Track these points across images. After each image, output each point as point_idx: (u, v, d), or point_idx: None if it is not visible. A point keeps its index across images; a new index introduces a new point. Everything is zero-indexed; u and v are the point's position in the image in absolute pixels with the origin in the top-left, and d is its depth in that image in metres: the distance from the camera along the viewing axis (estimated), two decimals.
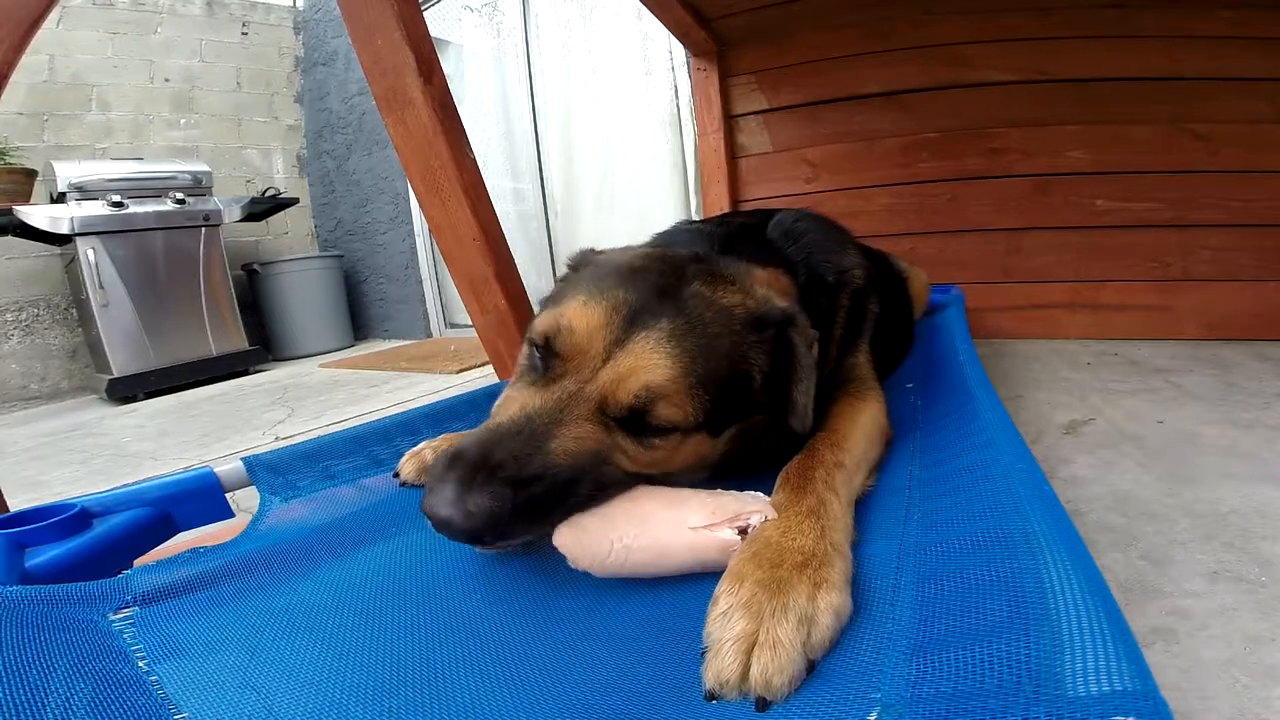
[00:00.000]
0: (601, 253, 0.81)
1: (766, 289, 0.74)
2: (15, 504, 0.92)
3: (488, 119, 3.79)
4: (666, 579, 0.58)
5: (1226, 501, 0.94)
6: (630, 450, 0.62)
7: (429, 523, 0.54)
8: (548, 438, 0.57)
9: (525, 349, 0.68)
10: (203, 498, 0.83)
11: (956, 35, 2.13)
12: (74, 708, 0.45)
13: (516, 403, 0.61)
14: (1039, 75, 2.05)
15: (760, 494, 0.61)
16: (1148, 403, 1.41)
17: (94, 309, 3.19)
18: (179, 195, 3.47)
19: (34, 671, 0.46)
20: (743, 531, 0.55)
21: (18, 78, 1.17)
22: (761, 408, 0.70)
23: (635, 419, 0.60)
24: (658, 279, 0.67)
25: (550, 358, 0.63)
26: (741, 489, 0.62)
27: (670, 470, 0.66)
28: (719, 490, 0.61)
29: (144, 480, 0.85)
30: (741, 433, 0.71)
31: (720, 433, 0.67)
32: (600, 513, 0.59)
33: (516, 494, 0.54)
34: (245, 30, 4.39)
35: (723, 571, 0.51)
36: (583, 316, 0.63)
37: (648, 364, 0.59)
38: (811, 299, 0.83)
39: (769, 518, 0.56)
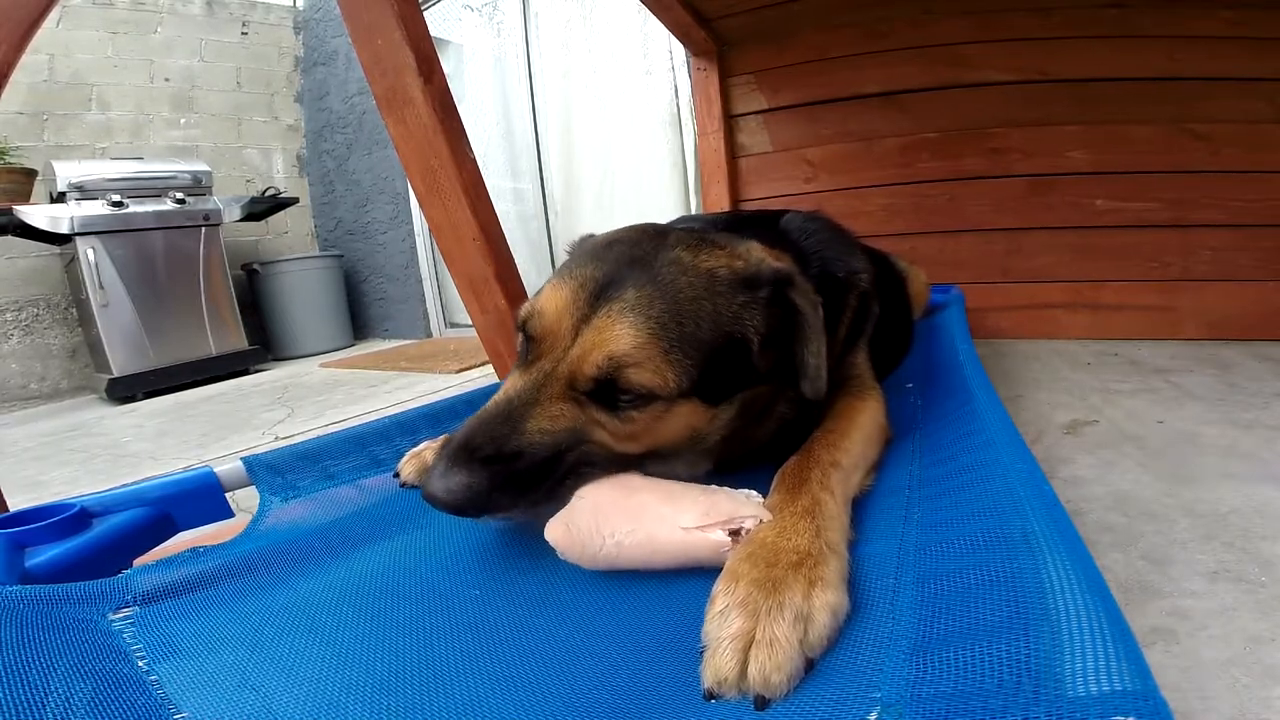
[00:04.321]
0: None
1: (761, 254, 0.72)
2: (15, 504, 0.92)
3: (488, 119, 3.79)
4: (665, 578, 0.58)
5: (1226, 501, 0.94)
6: (608, 424, 0.62)
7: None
8: (524, 419, 0.60)
9: (518, 337, 0.69)
10: (203, 497, 0.83)
11: (956, 35, 2.13)
12: (74, 708, 0.45)
13: (503, 388, 0.64)
14: (1039, 75, 2.05)
15: (754, 492, 0.61)
16: (1148, 403, 1.41)
17: (94, 309, 3.19)
18: (179, 195, 3.47)
19: (34, 671, 0.46)
20: (735, 534, 0.55)
21: (18, 77, 1.17)
22: (764, 377, 0.70)
23: (605, 391, 0.61)
24: (631, 250, 0.67)
25: (529, 342, 0.65)
26: (740, 486, 0.62)
27: (663, 445, 0.66)
28: (713, 487, 0.61)
29: (144, 480, 0.85)
30: (745, 407, 0.70)
31: (718, 402, 0.66)
32: (593, 507, 0.59)
33: (493, 472, 0.58)
34: (245, 30, 4.39)
35: (719, 566, 0.51)
36: (551, 299, 0.65)
37: (610, 335, 0.60)
38: (821, 293, 0.83)
39: (763, 520, 0.56)
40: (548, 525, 0.60)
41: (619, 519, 0.58)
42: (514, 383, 0.64)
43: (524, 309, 0.67)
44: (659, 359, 0.60)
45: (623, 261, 0.65)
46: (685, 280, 0.64)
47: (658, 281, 0.63)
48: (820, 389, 0.67)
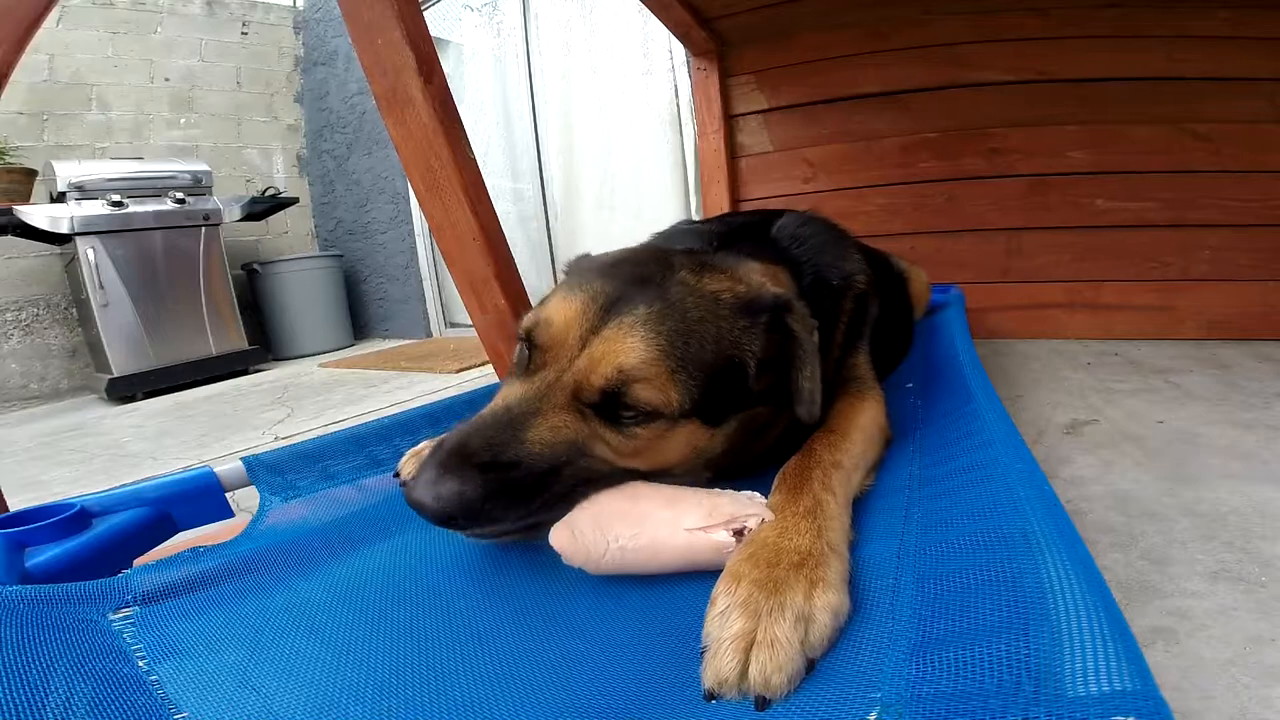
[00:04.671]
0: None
1: (761, 279, 0.73)
2: (15, 504, 0.92)
3: (488, 119, 3.79)
4: (666, 579, 0.58)
5: (1226, 501, 0.94)
6: (611, 440, 0.61)
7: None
8: (524, 427, 0.58)
9: (517, 346, 0.69)
10: (202, 497, 0.83)
11: (956, 35, 2.13)
12: (74, 708, 0.45)
13: (500, 395, 0.63)
14: (1039, 75, 2.05)
15: (756, 494, 0.60)
16: (1148, 403, 1.41)
17: (94, 309, 3.19)
18: (179, 195, 3.46)
19: (34, 671, 0.46)
20: (738, 534, 0.55)
21: (18, 77, 1.17)
22: (762, 399, 0.70)
23: (610, 404, 0.60)
24: (640, 270, 0.67)
25: (533, 350, 0.65)
26: (741, 489, 0.62)
27: (666, 464, 0.65)
28: (715, 490, 0.61)
29: (143, 480, 0.85)
30: (744, 426, 0.70)
31: (718, 423, 0.66)
32: (596, 512, 0.59)
33: (487, 480, 0.55)
34: (245, 30, 4.38)
35: (720, 569, 0.51)
36: (560, 308, 0.64)
37: (620, 347, 0.59)
38: (816, 300, 0.83)
39: (765, 520, 0.56)
40: (552, 531, 0.60)
41: (622, 524, 0.57)
42: (513, 391, 0.62)
43: (528, 318, 0.66)
44: (665, 377, 0.59)
45: (632, 280, 0.65)
46: (692, 302, 0.64)
47: (667, 300, 0.63)
48: (814, 413, 0.68)
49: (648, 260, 0.70)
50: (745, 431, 0.72)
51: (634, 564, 0.58)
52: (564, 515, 0.61)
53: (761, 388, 0.69)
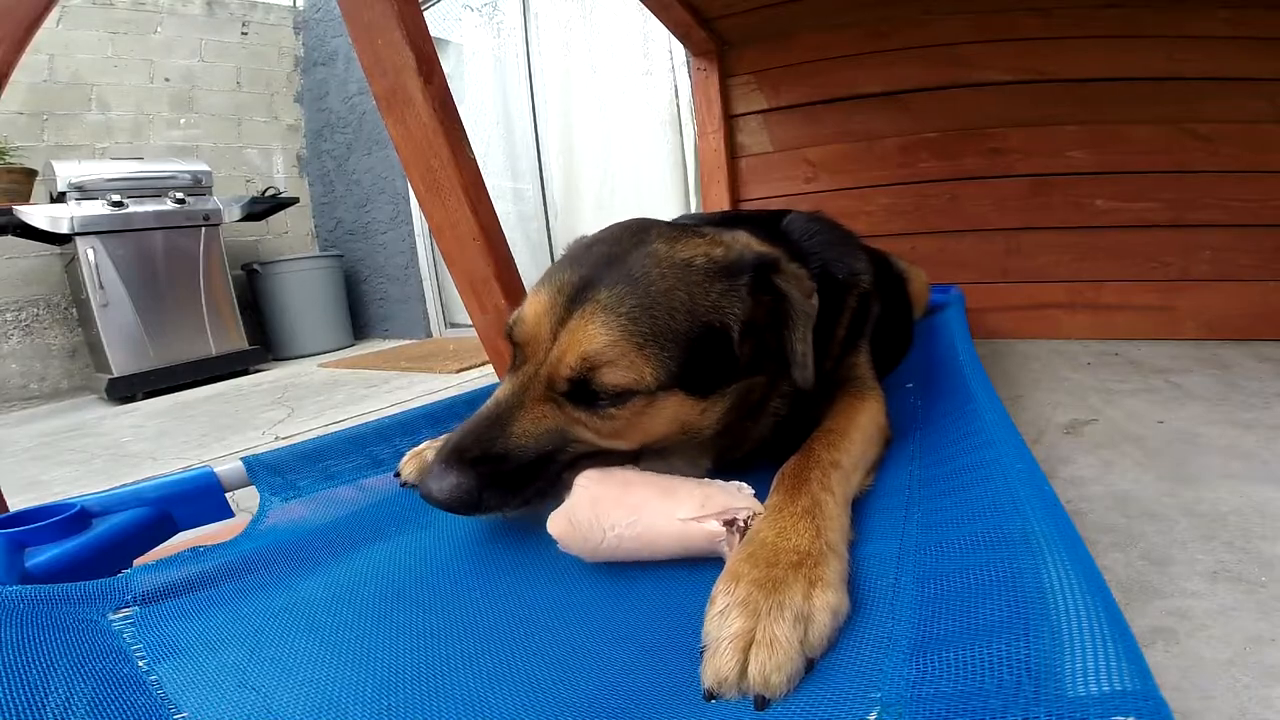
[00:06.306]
0: None
1: (746, 242, 0.72)
2: (15, 504, 0.92)
3: (488, 119, 3.79)
4: (665, 578, 0.58)
5: (1226, 501, 0.94)
6: (591, 423, 0.63)
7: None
8: (509, 422, 0.63)
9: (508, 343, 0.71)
10: (202, 497, 0.83)
11: (956, 35, 2.13)
12: (74, 707, 0.45)
13: (494, 394, 0.67)
14: (1039, 75, 2.05)
15: (745, 484, 0.62)
16: (1148, 403, 1.41)
17: (94, 309, 3.19)
18: (179, 195, 3.46)
19: (34, 671, 0.46)
20: (729, 524, 0.56)
21: (18, 77, 1.17)
22: (755, 368, 0.70)
23: (583, 390, 0.62)
24: (611, 248, 0.68)
25: (515, 347, 0.67)
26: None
27: (652, 440, 0.66)
28: (706, 480, 0.63)
29: (144, 480, 0.85)
30: (738, 400, 0.70)
31: (706, 394, 0.66)
32: (592, 501, 0.60)
33: (481, 473, 0.60)
34: (245, 30, 4.39)
35: (715, 556, 0.52)
36: (531, 305, 0.66)
37: (582, 336, 0.61)
38: (821, 294, 0.83)
39: (756, 513, 0.57)
40: (550, 519, 0.61)
41: (618, 512, 0.58)
42: (503, 388, 0.66)
43: (511, 316, 0.68)
44: (633, 354, 0.60)
45: (600, 262, 0.66)
46: (658, 272, 0.64)
47: (631, 278, 0.63)
48: (808, 377, 0.67)
49: (622, 237, 0.69)
50: (741, 406, 0.71)
51: (629, 551, 0.59)
52: (563, 494, 0.63)
53: (749, 353, 0.68)
